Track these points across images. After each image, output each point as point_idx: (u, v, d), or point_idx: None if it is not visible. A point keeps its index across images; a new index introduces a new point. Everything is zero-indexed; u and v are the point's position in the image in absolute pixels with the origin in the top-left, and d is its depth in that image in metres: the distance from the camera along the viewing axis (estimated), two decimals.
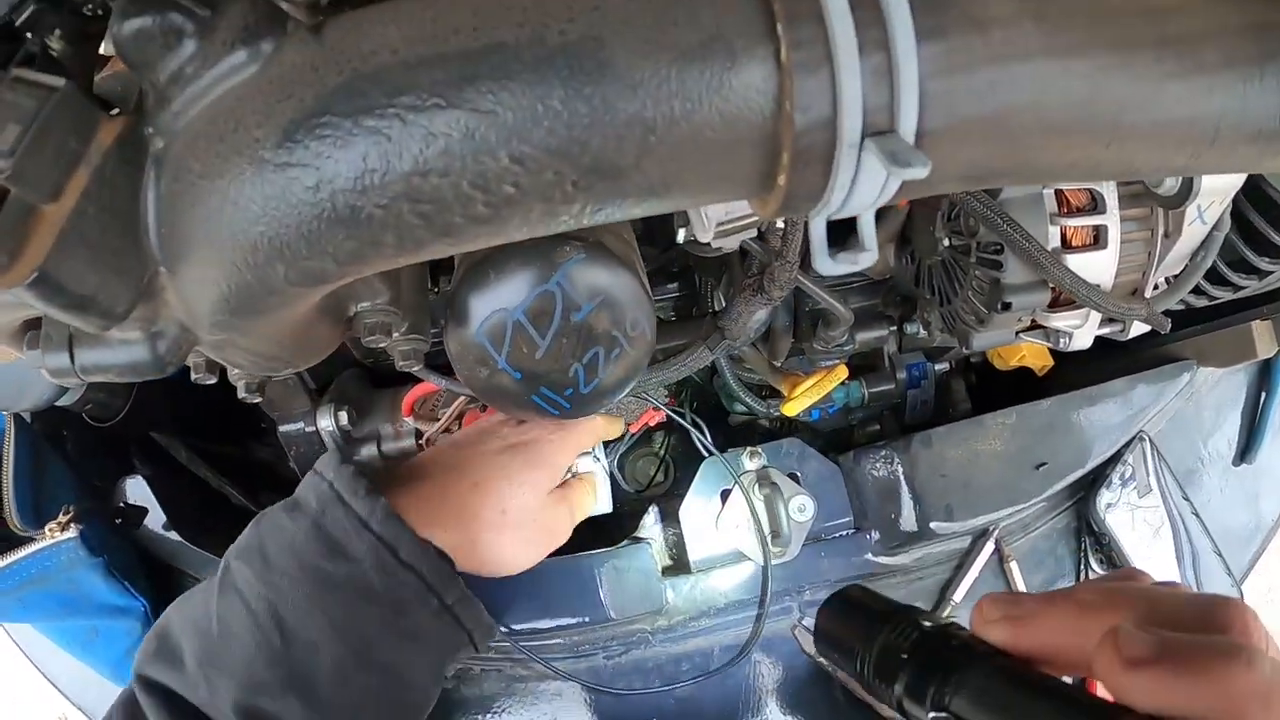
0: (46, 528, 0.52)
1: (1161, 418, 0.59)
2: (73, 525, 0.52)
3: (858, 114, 0.18)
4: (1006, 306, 0.41)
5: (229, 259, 0.21)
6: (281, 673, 0.37)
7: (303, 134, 0.19)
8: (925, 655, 0.23)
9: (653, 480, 0.73)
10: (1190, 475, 0.61)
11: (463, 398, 0.55)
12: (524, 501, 0.43)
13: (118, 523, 0.56)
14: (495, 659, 0.52)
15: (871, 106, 0.18)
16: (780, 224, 0.41)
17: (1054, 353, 0.61)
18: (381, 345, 0.34)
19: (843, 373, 0.52)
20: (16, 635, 0.65)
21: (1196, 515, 0.57)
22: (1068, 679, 0.22)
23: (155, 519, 0.58)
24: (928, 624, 0.24)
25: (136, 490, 0.58)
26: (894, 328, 0.58)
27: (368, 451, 0.62)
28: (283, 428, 0.60)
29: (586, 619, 0.48)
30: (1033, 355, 0.59)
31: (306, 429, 0.60)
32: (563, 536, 0.45)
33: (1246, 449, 0.63)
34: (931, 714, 0.22)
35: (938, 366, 0.65)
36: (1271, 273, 0.46)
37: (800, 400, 0.50)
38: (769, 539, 0.49)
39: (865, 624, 0.26)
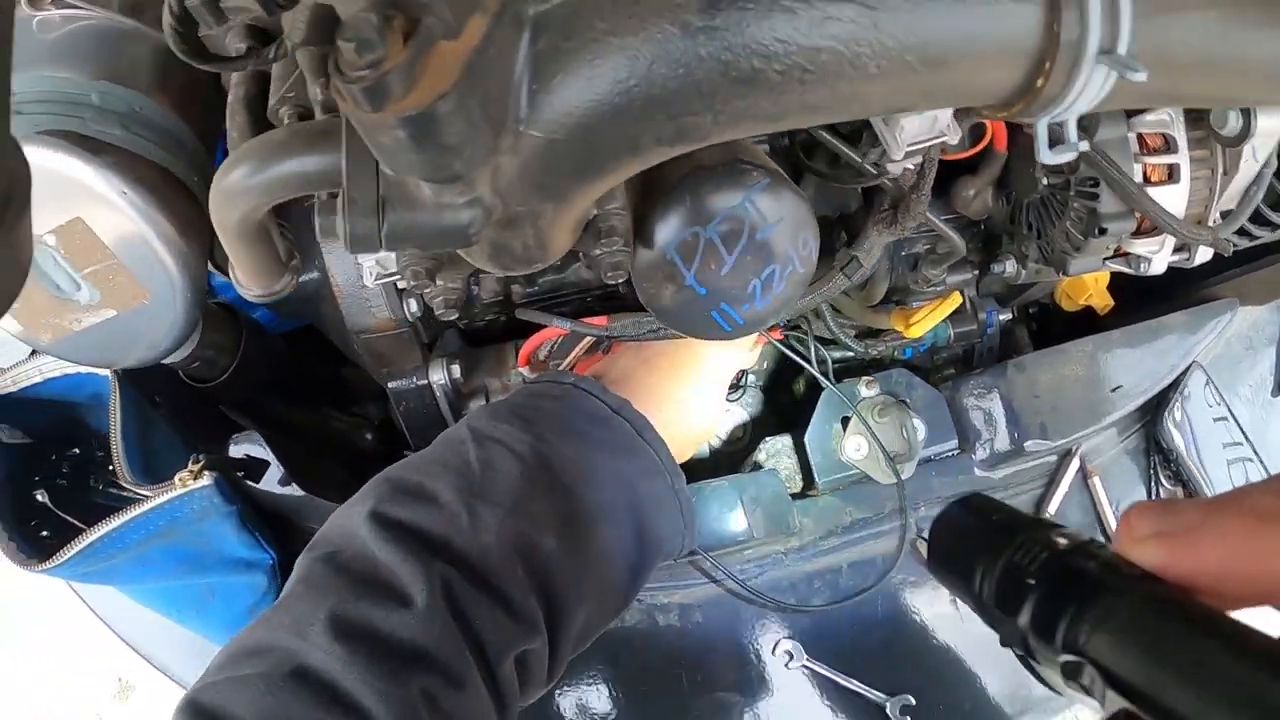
0: (176, 477, 0.57)
1: (1210, 351, 0.73)
2: (206, 473, 0.57)
3: (1097, 38, 0.29)
4: (1103, 231, 0.53)
5: (614, 112, 0.28)
6: (545, 505, 0.43)
7: (726, 4, 0.27)
8: (1056, 580, 0.20)
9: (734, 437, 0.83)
10: (1236, 405, 0.75)
11: (583, 343, 0.64)
12: (709, 416, 0.55)
13: (240, 476, 0.62)
14: None
15: (1104, 34, 0.29)
16: (910, 165, 0.52)
17: (1114, 293, 0.74)
18: (610, 248, 0.42)
19: (958, 299, 0.63)
20: (85, 593, 0.70)
21: (1244, 432, 0.70)
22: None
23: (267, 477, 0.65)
24: (1063, 541, 0.21)
25: (252, 446, 0.64)
26: (976, 272, 0.70)
27: (475, 405, 0.70)
28: (393, 384, 0.68)
29: (733, 540, 0.58)
30: (1098, 295, 0.72)
31: (418, 382, 0.67)
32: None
33: None
34: (1063, 657, 0.19)
35: (1001, 316, 0.77)
36: None
37: (923, 323, 0.61)
38: (893, 458, 0.60)
39: (986, 539, 0.23)
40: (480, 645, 0.39)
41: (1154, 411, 0.69)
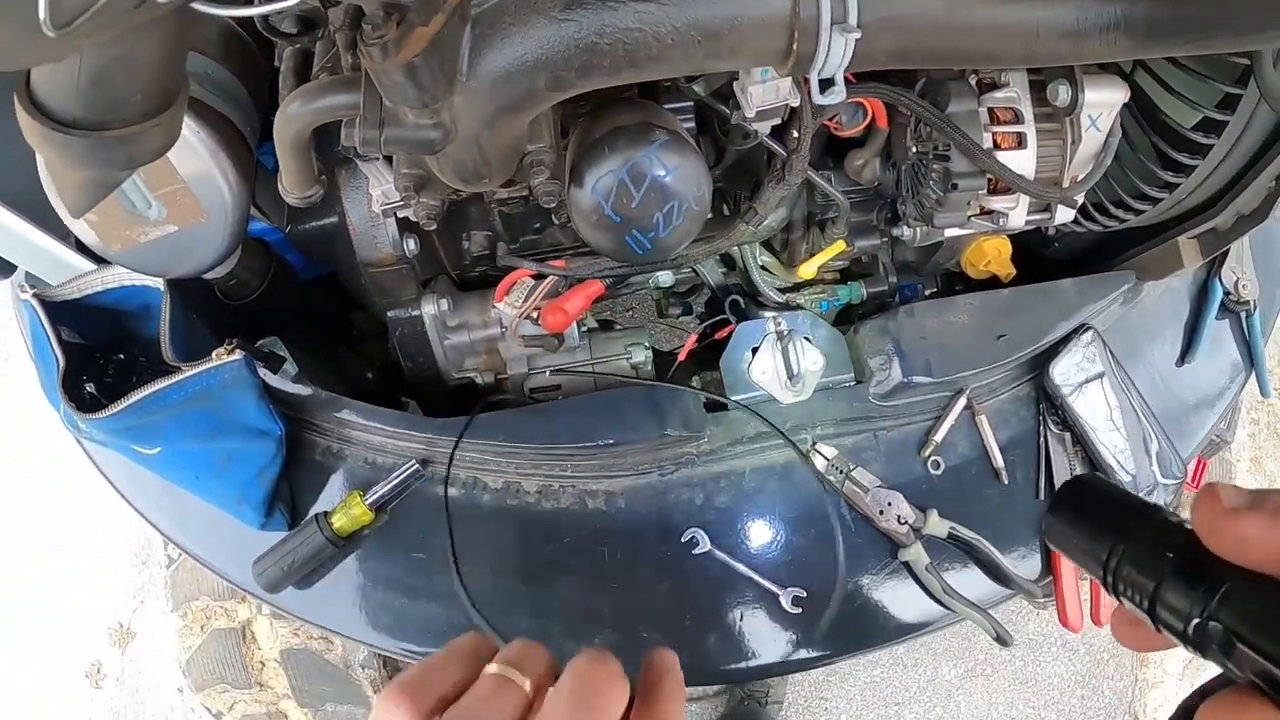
0: (214, 353, 0.78)
1: (1110, 318, 0.88)
2: (237, 351, 0.78)
3: (829, 14, 0.48)
4: (955, 187, 0.71)
5: (516, 70, 0.48)
6: None
7: (576, 5, 0.47)
8: (1191, 558, 0.25)
9: None
10: (1140, 370, 0.89)
11: (549, 280, 0.84)
12: None
13: (262, 364, 0.82)
14: (570, 476, 0.78)
15: (835, 12, 0.48)
16: (796, 133, 0.71)
17: (1017, 263, 0.90)
18: (539, 179, 0.62)
19: (841, 245, 0.81)
20: (111, 473, 0.90)
21: (1136, 390, 0.85)
22: None
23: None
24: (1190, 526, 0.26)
25: (273, 346, 0.85)
26: (885, 239, 0.88)
27: (458, 338, 0.90)
28: (391, 313, 0.89)
29: (652, 434, 0.76)
30: (998, 264, 0.88)
31: (412, 313, 0.88)
32: None
33: (1186, 352, 0.92)
34: (1197, 619, 0.24)
35: (927, 292, 0.94)
36: (1178, 184, 0.74)
37: (812, 262, 0.79)
38: (788, 382, 0.77)
39: (1121, 513, 0.29)
40: None
41: (1041, 367, 0.84)
